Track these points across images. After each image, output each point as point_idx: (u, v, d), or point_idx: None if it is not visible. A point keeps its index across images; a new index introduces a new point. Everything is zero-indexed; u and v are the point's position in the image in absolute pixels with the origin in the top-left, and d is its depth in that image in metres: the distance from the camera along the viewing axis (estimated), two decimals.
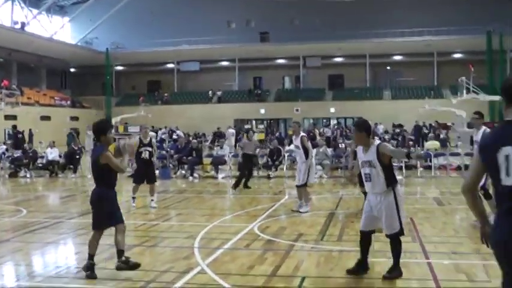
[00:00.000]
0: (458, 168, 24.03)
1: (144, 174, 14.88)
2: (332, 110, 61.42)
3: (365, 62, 66.07)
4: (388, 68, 67.16)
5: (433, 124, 45.75)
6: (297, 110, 60.75)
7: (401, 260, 7.88)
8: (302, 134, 14.15)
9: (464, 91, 38.20)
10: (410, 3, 61.49)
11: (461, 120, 42.11)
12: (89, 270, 7.96)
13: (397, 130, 44.89)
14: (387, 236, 7.78)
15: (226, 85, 68.08)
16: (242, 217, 13.31)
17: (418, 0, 59.88)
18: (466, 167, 23.49)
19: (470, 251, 9.49)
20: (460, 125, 42.11)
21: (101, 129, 8.23)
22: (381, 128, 45.73)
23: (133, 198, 14.89)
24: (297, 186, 13.87)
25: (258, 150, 21.78)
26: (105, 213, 8.18)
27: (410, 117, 50.24)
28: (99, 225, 8.28)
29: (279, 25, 62.62)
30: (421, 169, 24.09)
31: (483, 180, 11.02)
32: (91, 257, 8.08)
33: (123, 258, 7.96)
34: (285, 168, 24.83)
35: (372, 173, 7.80)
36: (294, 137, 14.51)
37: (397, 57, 67.10)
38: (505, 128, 4.06)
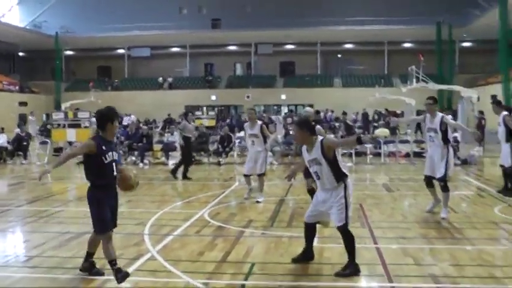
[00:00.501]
0: (407, 155, 24.38)
1: None
2: (283, 97, 61.72)
3: (316, 49, 66.42)
4: (339, 56, 67.74)
5: (383, 112, 46.21)
6: (248, 97, 60.82)
7: None
8: (259, 122, 13.82)
9: (414, 80, 38.59)
10: None
11: (410, 108, 42.68)
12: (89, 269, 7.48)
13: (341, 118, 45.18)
14: (338, 228, 7.58)
15: (178, 71, 67.70)
16: (192, 203, 13.29)
17: None
18: (415, 154, 23.96)
19: (417, 235, 9.68)
20: (410, 113, 42.69)
21: (108, 117, 7.27)
22: (332, 116, 46.08)
23: None
24: (258, 175, 13.51)
25: (195, 133, 20.90)
26: (93, 217, 7.25)
27: (360, 105, 50.64)
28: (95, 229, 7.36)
29: (231, 12, 62.50)
30: (371, 156, 24.40)
31: (443, 172, 10.94)
32: (89, 254, 7.55)
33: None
34: (235, 155, 24.87)
35: (320, 171, 7.65)
36: (247, 125, 13.95)
37: (348, 46, 67.66)
38: None
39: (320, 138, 7.72)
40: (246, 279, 7.31)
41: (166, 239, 9.45)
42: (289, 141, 25.38)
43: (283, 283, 7.18)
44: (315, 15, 59.32)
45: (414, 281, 7.23)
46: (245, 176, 13.83)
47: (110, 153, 7.23)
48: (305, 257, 7.97)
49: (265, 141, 13.56)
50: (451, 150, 11.24)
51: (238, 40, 65.76)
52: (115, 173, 7.33)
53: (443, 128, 11.04)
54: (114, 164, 7.30)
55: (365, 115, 43.93)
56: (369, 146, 24.59)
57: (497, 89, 47.12)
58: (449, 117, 11.50)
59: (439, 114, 11.21)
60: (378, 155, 24.31)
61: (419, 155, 23.72)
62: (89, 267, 7.47)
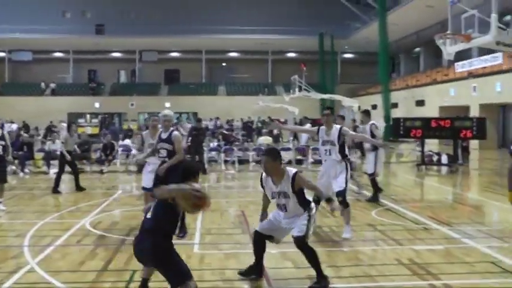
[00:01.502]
0: (289, 162, 24.89)
1: None
2: (167, 105, 61.24)
3: (201, 57, 66.84)
4: (224, 64, 68.36)
5: (267, 120, 46.96)
6: (132, 105, 60.34)
7: (232, 251, 8.18)
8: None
9: (297, 89, 39.57)
10: (248, 1, 62.83)
11: (293, 116, 43.66)
12: None
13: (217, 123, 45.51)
14: (295, 238, 7.35)
15: (61, 77, 66.18)
16: (74, 213, 13.08)
17: None
18: (297, 161, 24.56)
19: None
20: (292, 121, 43.66)
21: (192, 173, 6.25)
22: (212, 124, 46.29)
23: None
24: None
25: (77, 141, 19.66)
26: (176, 270, 5.88)
27: (244, 113, 51.40)
28: None
29: (115, 17, 61.83)
30: (254, 163, 24.78)
31: (343, 186, 10.20)
32: None
33: None
34: (118, 163, 24.62)
35: (288, 203, 7.39)
36: (147, 133, 11.71)
37: (233, 54, 68.50)
38: None
39: (292, 172, 7.38)
40: (127, 286, 7.33)
41: (47, 250, 9.26)
42: None
43: None
44: (199, 23, 59.62)
45: (293, 283, 7.50)
46: (146, 189, 11.37)
47: None
48: (252, 272, 7.71)
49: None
50: (348, 165, 10.54)
51: (123, 47, 65.29)
52: None
53: (341, 140, 10.36)
54: None
55: (248, 123, 44.55)
56: (251, 154, 25.04)
57: (376, 99, 49.05)
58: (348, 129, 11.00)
59: (337, 126, 10.54)
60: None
61: (300, 162, 24.41)
62: None
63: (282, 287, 7.47)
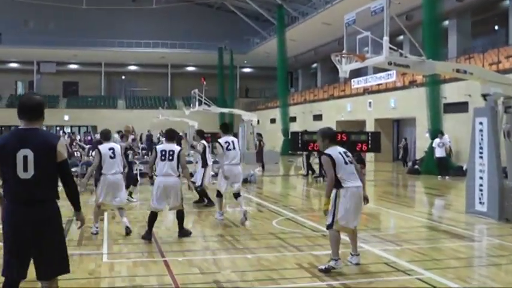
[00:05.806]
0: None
1: None
2: (66, 118, 60.57)
3: (100, 70, 66.15)
4: (123, 77, 67.91)
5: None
6: None
7: (139, 260, 8.49)
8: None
9: (197, 103, 39.89)
10: (148, 15, 62.66)
11: (193, 130, 43.92)
12: None
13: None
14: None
15: None
16: None
17: (155, 12, 61.20)
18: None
19: (201, 248, 10.33)
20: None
21: None
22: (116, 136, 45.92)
23: None
24: None
25: None
26: None
27: (144, 126, 51.16)
28: None
29: (13, 26, 60.10)
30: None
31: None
32: None
33: None
34: None
35: None
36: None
37: (132, 67, 68.16)
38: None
39: None
40: None
41: None
42: (74, 163, 25.06)
43: None
44: (99, 35, 59.15)
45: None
46: None
47: None
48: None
49: None
50: None
51: (20, 57, 63.71)
52: None
53: None
54: None
55: (149, 136, 44.50)
56: None
57: (275, 113, 50.00)
58: None
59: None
60: None
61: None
62: None
63: None
